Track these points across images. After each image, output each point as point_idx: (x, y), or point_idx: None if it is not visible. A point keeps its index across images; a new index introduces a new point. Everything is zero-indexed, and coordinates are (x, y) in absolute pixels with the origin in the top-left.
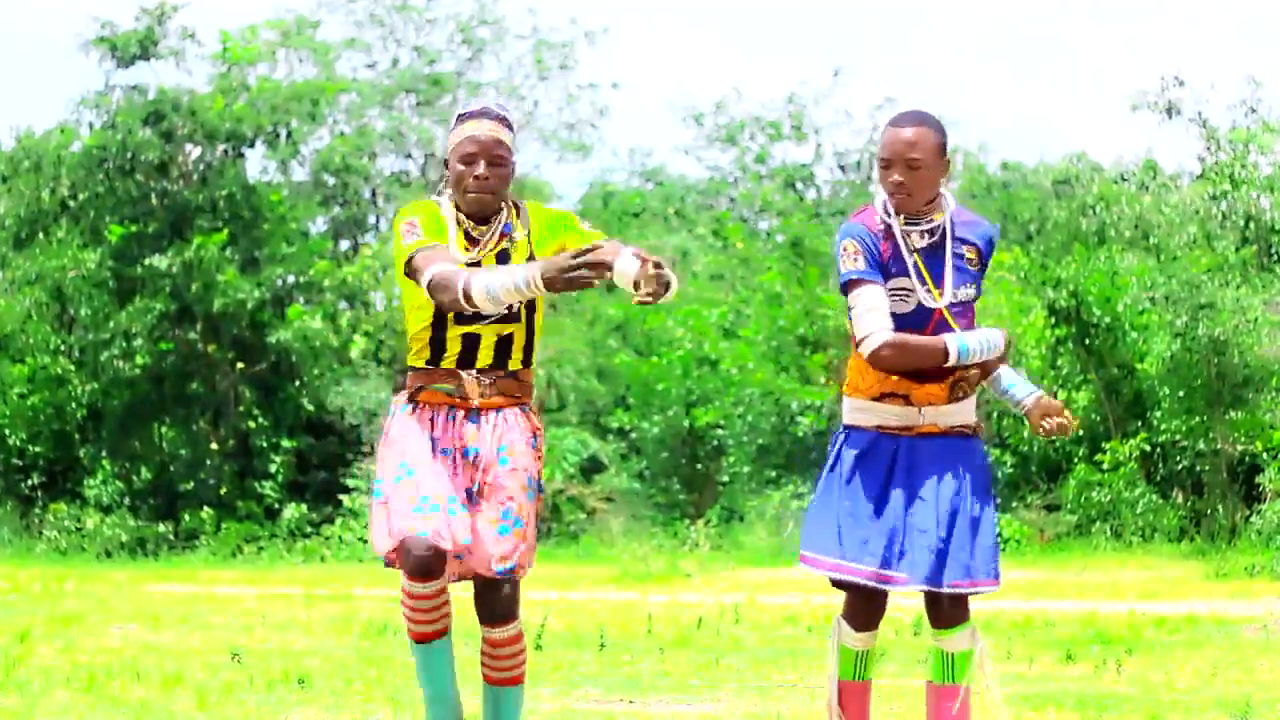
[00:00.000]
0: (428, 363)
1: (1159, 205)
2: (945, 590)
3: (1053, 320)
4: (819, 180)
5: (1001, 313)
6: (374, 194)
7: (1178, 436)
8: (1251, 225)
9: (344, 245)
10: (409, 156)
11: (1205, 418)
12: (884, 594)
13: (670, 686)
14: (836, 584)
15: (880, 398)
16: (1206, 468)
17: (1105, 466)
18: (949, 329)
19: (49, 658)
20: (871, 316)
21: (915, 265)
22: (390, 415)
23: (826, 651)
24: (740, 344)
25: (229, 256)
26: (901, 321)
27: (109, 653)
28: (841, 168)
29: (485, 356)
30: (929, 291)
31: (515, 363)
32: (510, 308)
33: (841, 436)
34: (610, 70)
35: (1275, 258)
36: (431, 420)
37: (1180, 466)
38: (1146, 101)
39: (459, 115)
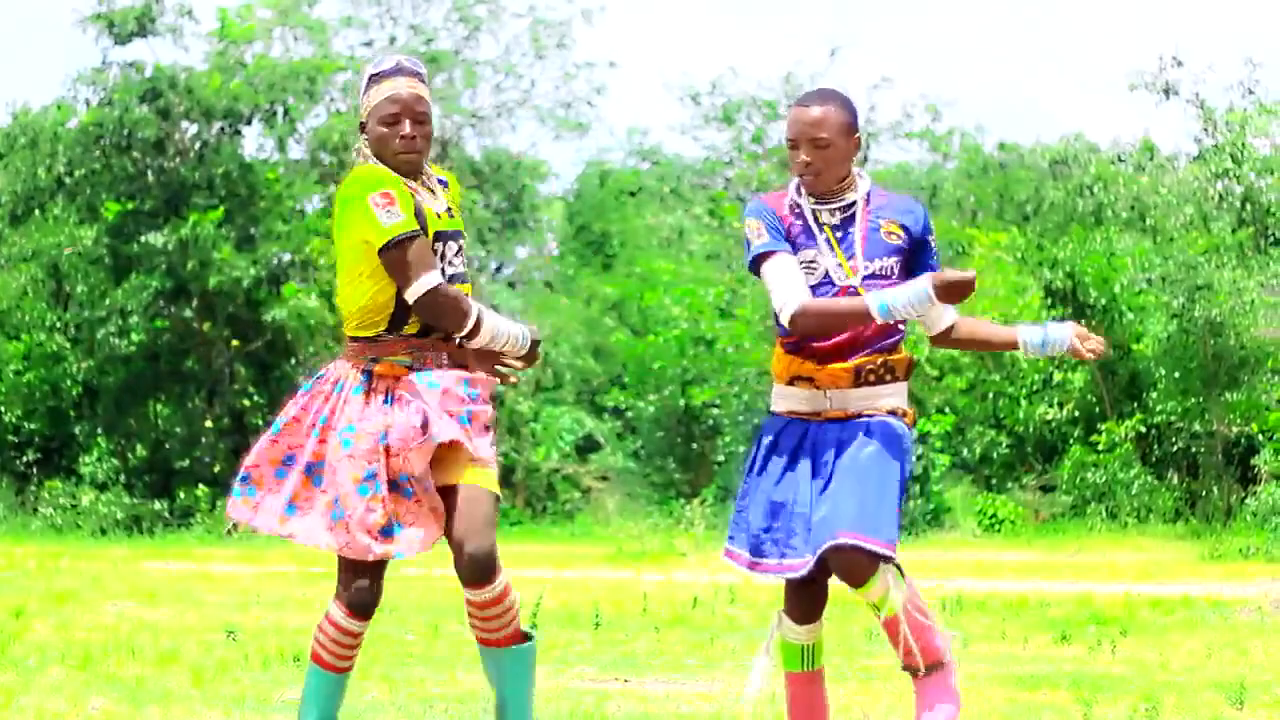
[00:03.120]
0: (383, 333)
1: (1156, 186)
2: (829, 546)
3: (1049, 301)
4: None
5: (998, 293)
6: None
7: (1173, 418)
8: (1248, 207)
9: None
10: None
11: (1201, 399)
12: (822, 584)
13: (665, 665)
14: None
15: (790, 381)
16: (1202, 449)
17: (1101, 447)
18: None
19: (44, 635)
20: (786, 285)
21: (826, 240)
22: (338, 392)
23: (765, 640)
24: (736, 323)
25: (225, 234)
26: (813, 294)
27: (104, 630)
28: None
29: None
30: (839, 265)
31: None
32: (467, 267)
33: (763, 430)
34: (607, 49)
35: (1272, 239)
36: (392, 406)
37: (1176, 448)
38: (1144, 82)
39: (372, 75)
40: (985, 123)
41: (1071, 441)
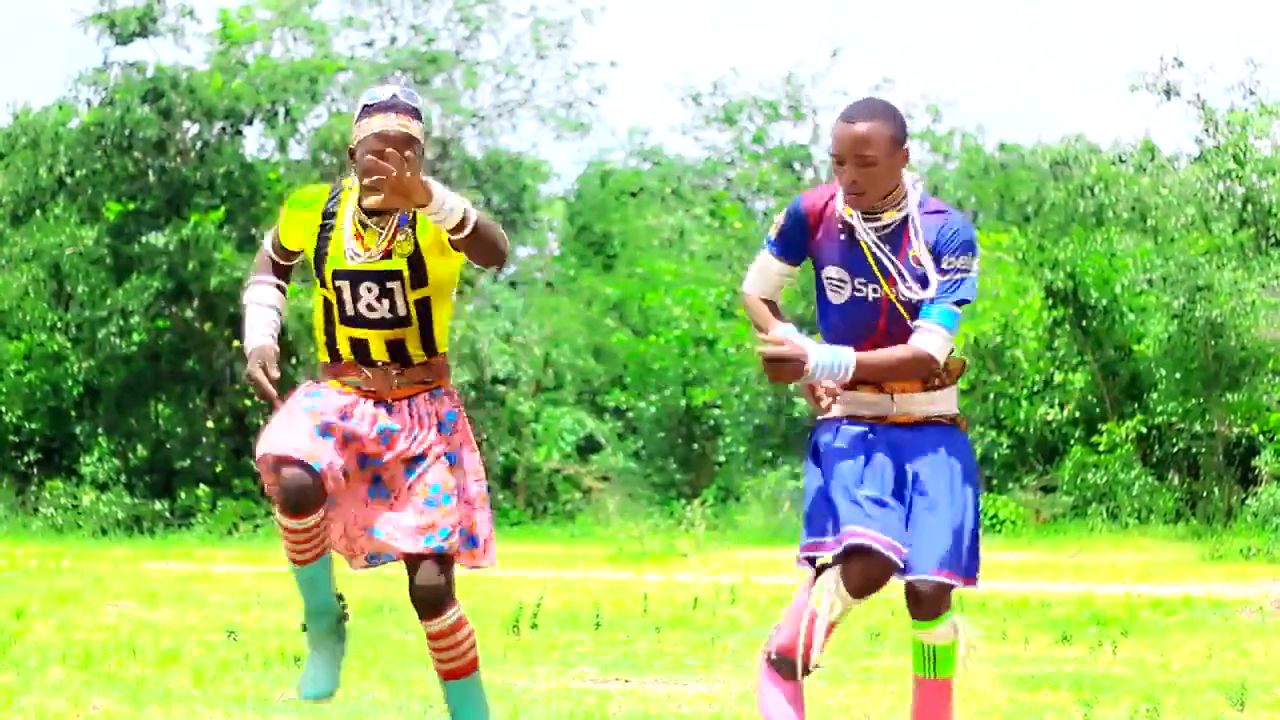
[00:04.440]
0: (331, 360)
1: (1157, 187)
2: (917, 579)
3: (1050, 302)
4: (816, 160)
5: (999, 294)
6: None
7: (1174, 418)
8: (1249, 207)
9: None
10: None
11: (1202, 400)
12: (888, 564)
13: (666, 666)
14: (845, 551)
15: (853, 385)
16: (1203, 450)
17: (1102, 448)
18: (898, 322)
19: (45, 635)
20: (755, 277)
21: (861, 258)
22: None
23: (817, 591)
24: (737, 324)
25: (226, 234)
26: (839, 312)
27: (105, 630)
28: None
29: (379, 355)
30: (877, 284)
31: (417, 358)
32: (395, 312)
33: (817, 430)
34: (608, 49)
35: (1273, 240)
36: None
37: (1177, 448)
38: (1145, 83)
39: (365, 106)
40: (986, 123)
41: (1072, 442)
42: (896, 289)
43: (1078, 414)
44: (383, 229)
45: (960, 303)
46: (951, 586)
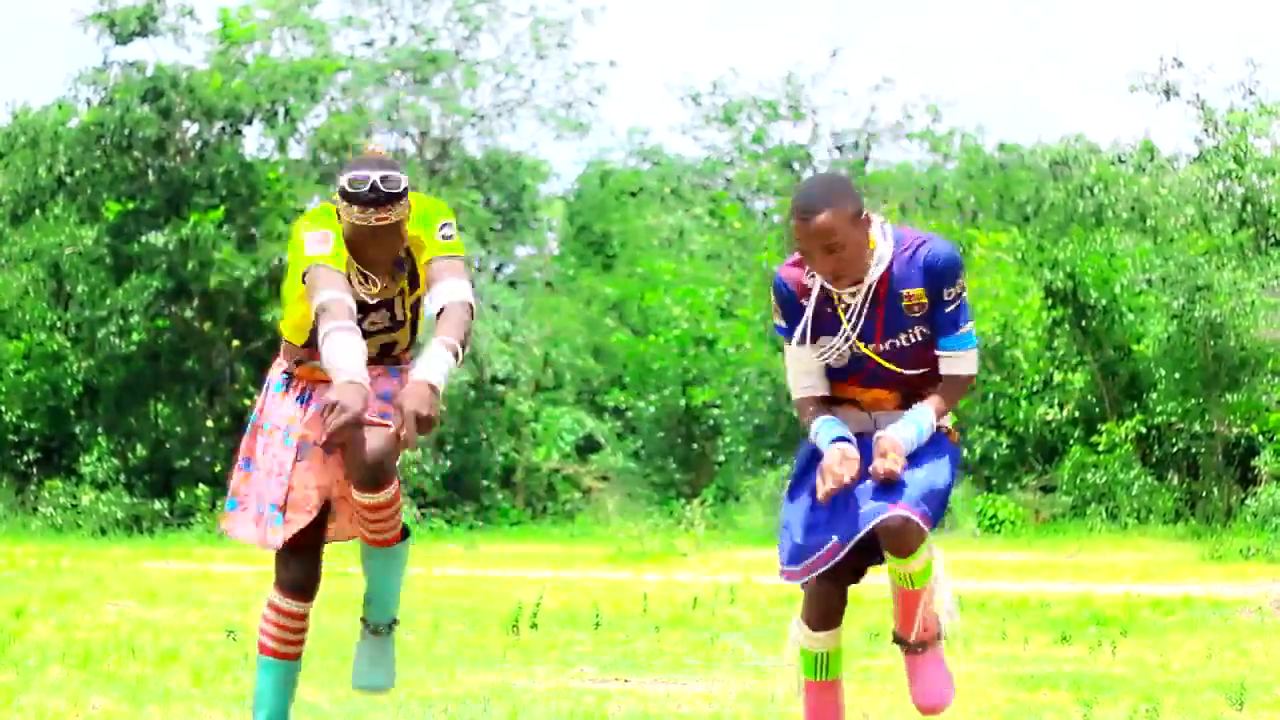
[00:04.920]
0: (308, 344)
1: (1156, 187)
2: (880, 521)
3: (1049, 302)
4: (816, 160)
5: (998, 294)
6: None
7: (1174, 418)
8: (1249, 208)
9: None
10: (406, 134)
11: (1201, 400)
12: (840, 590)
13: (666, 666)
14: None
15: (836, 402)
16: (1202, 450)
17: (1101, 448)
18: (882, 376)
19: (45, 634)
20: (798, 378)
21: (843, 322)
22: (268, 391)
23: (785, 646)
24: (737, 323)
25: (226, 234)
26: (840, 374)
27: (105, 629)
28: (839, 148)
29: (369, 356)
30: (859, 345)
31: (399, 357)
32: (394, 319)
33: (803, 449)
34: (608, 49)
35: (1272, 240)
36: (306, 407)
37: (1176, 448)
38: (1144, 83)
39: (343, 190)
40: (986, 123)
41: (1072, 442)
42: (875, 346)
43: (1077, 414)
44: (378, 277)
45: (968, 322)
46: (917, 526)
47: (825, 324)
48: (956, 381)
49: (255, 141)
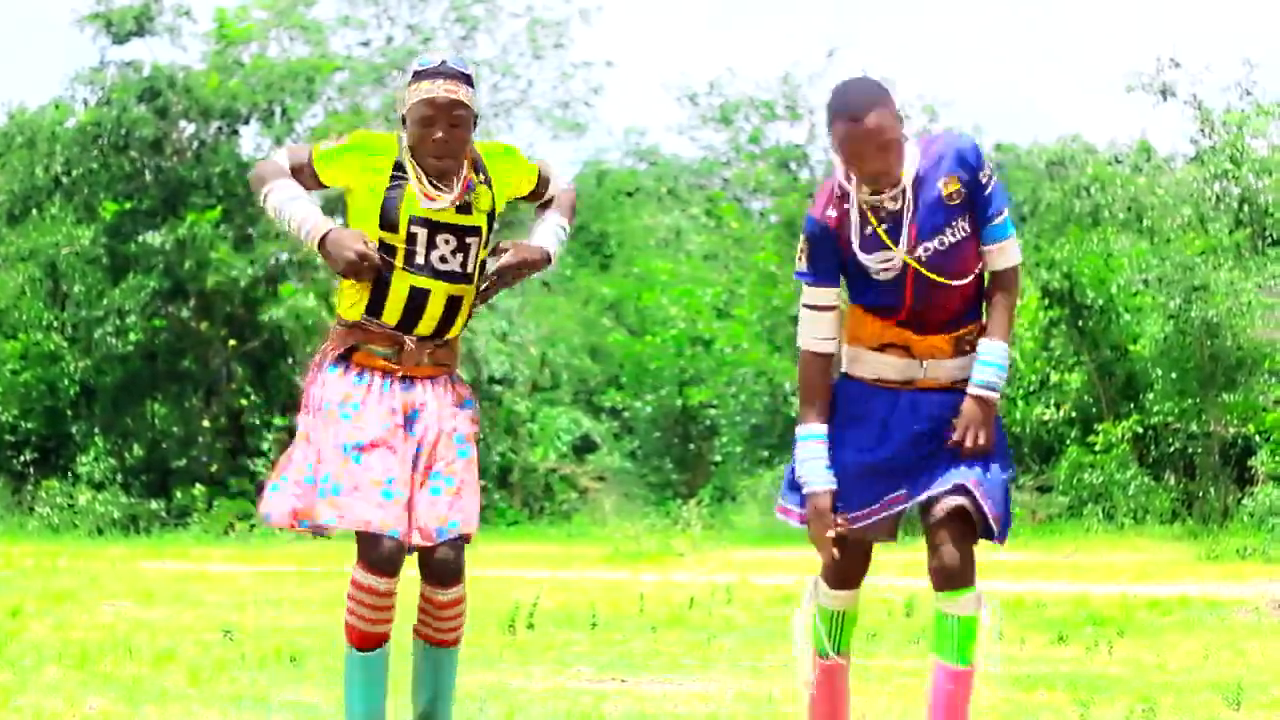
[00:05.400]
0: (365, 315)
1: (1153, 187)
2: (941, 494)
3: (1046, 302)
4: (813, 160)
5: None
6: None
7: (1170, 419)
8: (1246, 208)
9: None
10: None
11: (1198, 400)
12: (866, 546)
13: (662, 666)
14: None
15: (881, 348)
16: (1199, 450)
17: (1098, 448)
18: (930, 294)
19: (41, 634)
20: (806, 325)
21: (877, 238)
22: (319, 374)
23: (792, 627)
24: (734, 323)
25: (223, 234)
26: (892, 295)
27: (101, 629)
28: None
29: (430, 321)
30: (900, 256)
31: (456, 329)
32: (465, 268)
33: (838, 391)
34: (604, 49)
35: (1269, 240)
36: (369, 385)
37: (1173, 449)
38: (1141, 83)
39: (415, 72)
40: (983, 123)
41: (1068, 442)
42: (915, 252)
43: (1074, 414)
44: (451, 187)
45: (1004, 209)
46: (976, 518)
47: (870, 243)
48: (1008, 277)
49: (252, 141)
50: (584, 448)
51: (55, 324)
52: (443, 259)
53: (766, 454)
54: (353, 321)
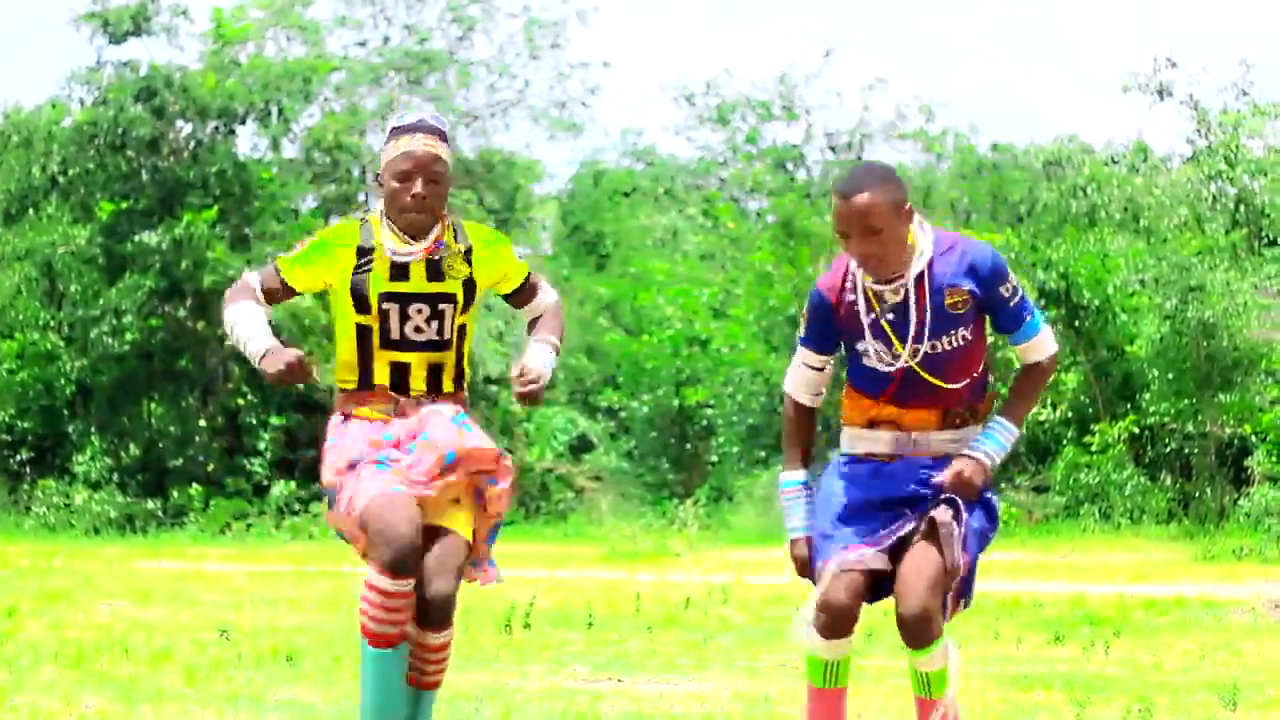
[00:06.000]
0: (359, 387)
1: (1150, 187)
2: (905, 610)
3: (1042, 302)
4: (809, 160)
5: None
6: (364, 172)
7: (1166, 419)
8: (1242, 208)
9: (334, 223)
10: None
11: (1194, 400)
12: (862, 593)
13: (658, 665)
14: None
15: (870, 425)
16: (1195, 450)
17: (1094, 448)
18: (919, 385)
19: (37, 633)
20: (797, 378)
21: (879, 326)
22: (332, 429)
23: (791, 630)
24: (730, 323)
25: (219, 233)
26: (880, 380)
27: (97, 629)
28: (832, 148)
29: (417, 384)
30: (894, 350)
31: (448, 387)
32: (441, 335)
33: (834, 464)
34: (601, 49)
35: (1265, 240)
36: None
37: (1169, 449)
38: (1138, 83)
39: (393, 129)
40: (979, 123)
41: (1065, 442)
42: (913, 349)
43: (1070, 414)
44: (417, 238)
45: (1032, 310)
46: (937, 614)
47: (861, 330)
48: (1038, 370)
49: (249, 141)
50: (580, 448)
51: (52, 323)
52: (417, 329)
53: (763, 454)
54: (348, 389)
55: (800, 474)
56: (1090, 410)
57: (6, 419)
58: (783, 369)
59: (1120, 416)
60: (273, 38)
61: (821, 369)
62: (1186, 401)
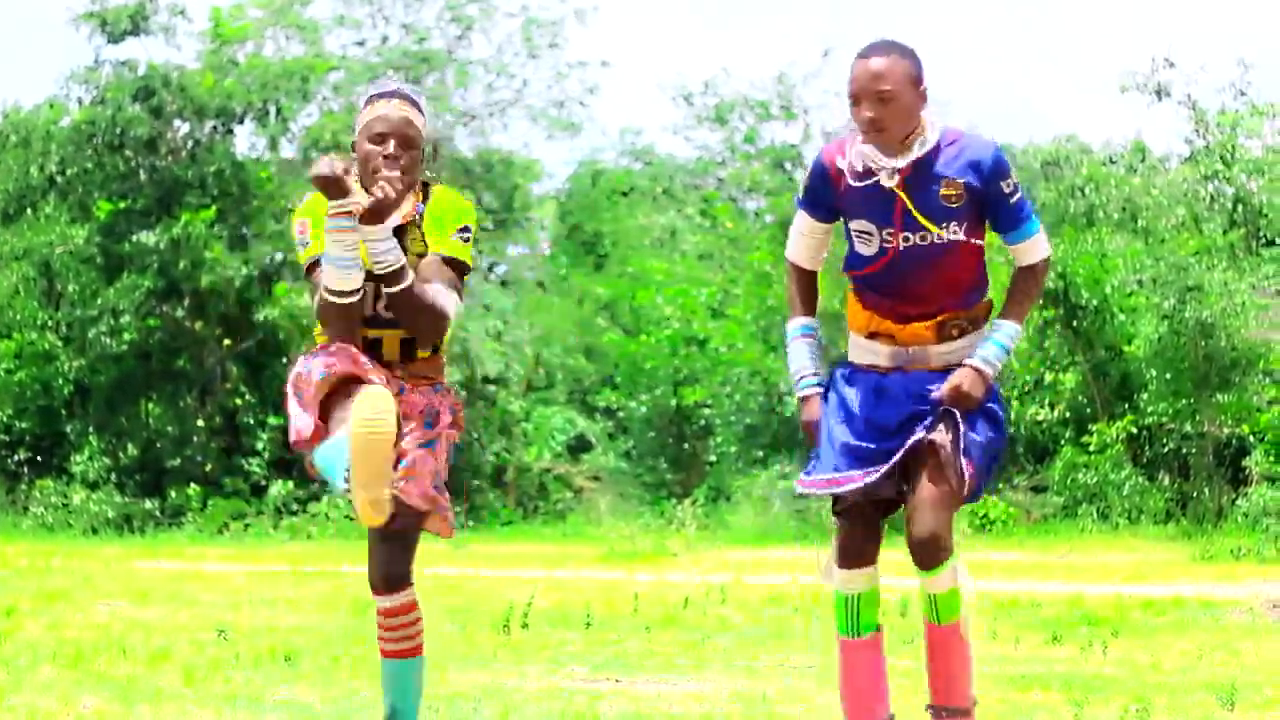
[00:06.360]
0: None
1: (1147, 187)
2: (914, 532)
3: (1040, 302)
4: (807, 160)
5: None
6: None
7: (1165, 419)
8: (1240, 208)
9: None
10: None
11: (1192, 400)
12: (875, 520)
13: (657, 666)
14: (834, 510)
15: (870, 336)
16: (1193, 450)
17: (1092, 448)
18: (914, 269)
19: (35, 634)
20: (794, 244)
21: (872, 204)
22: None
23: (818, 574)
24: (729, 323)
25: (217, 233)
26: (869, 263)
27: (95, 629)
28: None
29: (390, 355)
30: (889, 234)
31: (424, 354)
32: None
33: (837, 371)
34: (600, 49)
35: (1263, 240)
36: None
37: (1167, 449)
38: (1136, 83)
39: (369, 95)
40: (978, 123)
41: (1063, 442)
42: (908, 233)
43: (1068, 414)
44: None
45: (1031, 213)
46: (946, 534)
47: (866, 206)
48: (1032, 272)
49: (247, 141)
50: (578, 447)
51: (49, 323)
52: (388, 307)
53: (761, 454)
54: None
55: (806, 320)
56: (1088, 410)
57: (4, 419)
58: (781, 369)
59: (1118, 416)
60: (271, 37)
61: (820, 235)
62: (1184, 401)
